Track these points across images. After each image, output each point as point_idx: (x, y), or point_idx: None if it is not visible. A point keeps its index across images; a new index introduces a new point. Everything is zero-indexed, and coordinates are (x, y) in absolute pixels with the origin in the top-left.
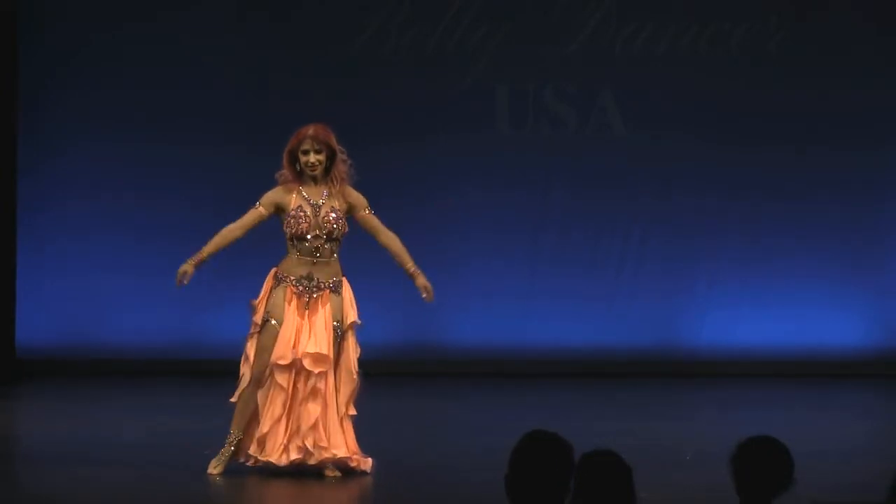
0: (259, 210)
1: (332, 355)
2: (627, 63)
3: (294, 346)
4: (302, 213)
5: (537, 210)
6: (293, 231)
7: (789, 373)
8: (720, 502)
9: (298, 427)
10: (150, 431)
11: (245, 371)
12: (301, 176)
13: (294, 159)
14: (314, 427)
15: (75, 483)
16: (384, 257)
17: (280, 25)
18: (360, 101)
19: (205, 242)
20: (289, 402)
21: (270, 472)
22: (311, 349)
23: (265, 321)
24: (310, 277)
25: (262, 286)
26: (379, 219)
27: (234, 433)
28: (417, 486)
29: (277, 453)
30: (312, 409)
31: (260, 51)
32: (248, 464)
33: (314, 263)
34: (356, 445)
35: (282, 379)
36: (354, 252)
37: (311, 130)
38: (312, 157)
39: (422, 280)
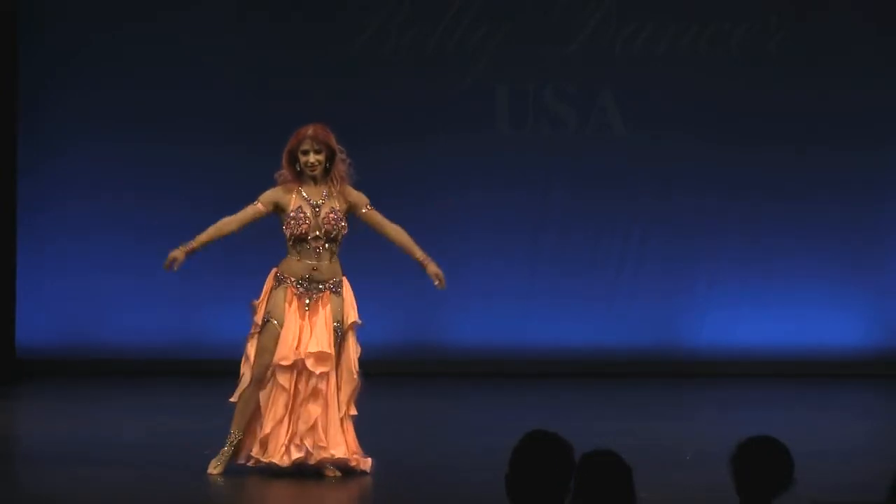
0: (257, 207)
1: (333, 355)
2: (627, 63)
3: (296, 348)
4: (302, 215)
5: (537, 210)
6: (293, 232)
7: (789, 373)
8: (720, 502)
9: (299, 428)
10: (150, 431)
11: (245, 371)
12: (301, 176)
13: (294, 159)
14: (313, 428)
15: (75, 483)
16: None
17: (280, 25)
18: (360, 101)
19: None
20: (290, 403)
21: (270, 472)
22: (314, 348)
23: (266, 321)
24: (310, 278)
25: (262, 286)
26: (381, 213)
27: (235, 433)
28: (417, 486)
29: (279, 454)
30: (312, 410)
31: (260, 51)
32: (248, 464)
33: (315, 264)
34: (357, 445)
35: (283, 380)
36: (354, 252)
37: (310, 130)
38: (312, 158)
39: (432, 267)
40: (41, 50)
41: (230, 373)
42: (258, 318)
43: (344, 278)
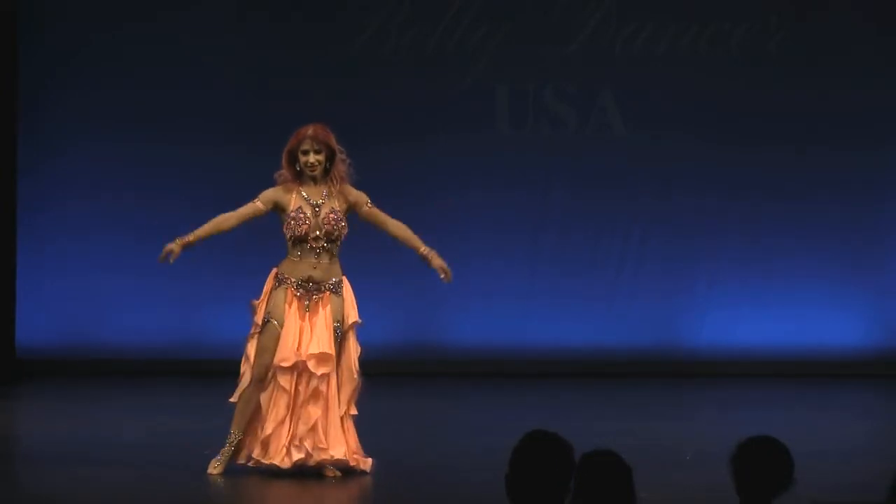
0: (257, 205)
1: (334, 356)
2: (627, 63)
3: (297, 348)
4: (302, 215)
5: (537, 210)
6: (293, 232)
7: (789, 373)
8: (720, 502)
9: (299, 429)
10: (150, 431)
11: (245, 371)
12: (300, 176)
13: (293, 159)
14: (313, 429)
15: (75, 483)
16: (384, 257)
17: (280, 25)
18: (360, 101)
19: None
20: (291, 404)
21: (270, 472)
22: (315, 349)
23: (266, 322)
24: (310, 279)
25: (262, 286)
26: (382, 210)
27: (235, 433)
28: (417, 486)
29: (280, 456)
30: (313, 412)
31: (260, 51)
32: (248, 465)
33: (315, 264)
34: (358, 445)
35: (284, 381)
36: (354, 252)
37: (310, 131)
38: (312, 158)
39: (437, 261)
40: (41, 50)
41: (230, 373)
42: (258, 319)
43: (344, 278)
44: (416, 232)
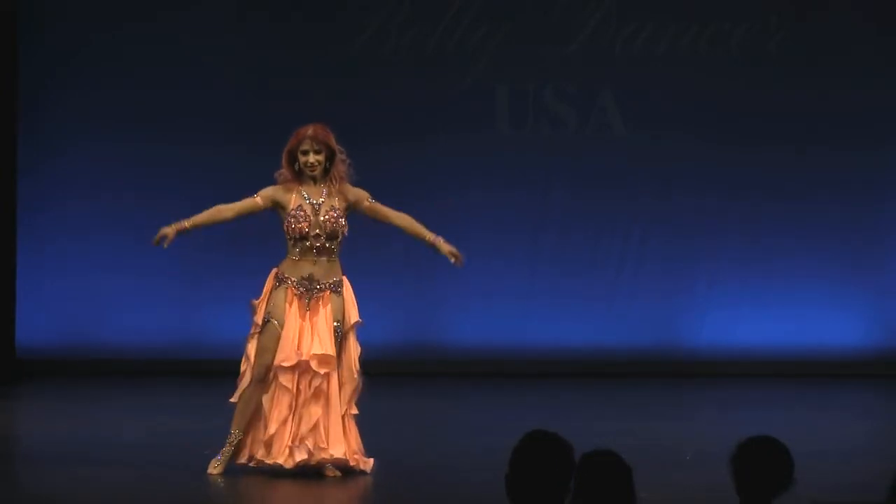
0: (256, 200)
1: (335, 355)
2: (627, 63)
3: (298, 348)
4: (302, 213)
5: (537, 210)
6: (293, 231)
7: (789, 373)
8: (720, 502)
9: (301, 429)
10: (150, 431)
11: (246, 371)
12: (300, 176)
13: (293, 159)
14: (314, 428)
15: (75, 483)
16: (384, 257)
17: (280, 25)
18: (360, 101)
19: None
20: (294, 403)
21: (271, 472)
22: (318, 350)
23: (266, 321)
24: (310, 278)
25: (262, 286)
26: (383, 204)
27: (235, 433)
28: (417, 486)
29: (284, 456)
30: (314, 411)
31: (260, 51)
32: (250, 465)
33: (315, 263)
34: (359, 445)
35: (286, 380)
36: (354, 252)
37: (310, 131)
38: (312, 158)
39: (446, 246)
40: (41, 50)
41: (230, 373)
42: (258, 318)
43: (344, 278)
44: None
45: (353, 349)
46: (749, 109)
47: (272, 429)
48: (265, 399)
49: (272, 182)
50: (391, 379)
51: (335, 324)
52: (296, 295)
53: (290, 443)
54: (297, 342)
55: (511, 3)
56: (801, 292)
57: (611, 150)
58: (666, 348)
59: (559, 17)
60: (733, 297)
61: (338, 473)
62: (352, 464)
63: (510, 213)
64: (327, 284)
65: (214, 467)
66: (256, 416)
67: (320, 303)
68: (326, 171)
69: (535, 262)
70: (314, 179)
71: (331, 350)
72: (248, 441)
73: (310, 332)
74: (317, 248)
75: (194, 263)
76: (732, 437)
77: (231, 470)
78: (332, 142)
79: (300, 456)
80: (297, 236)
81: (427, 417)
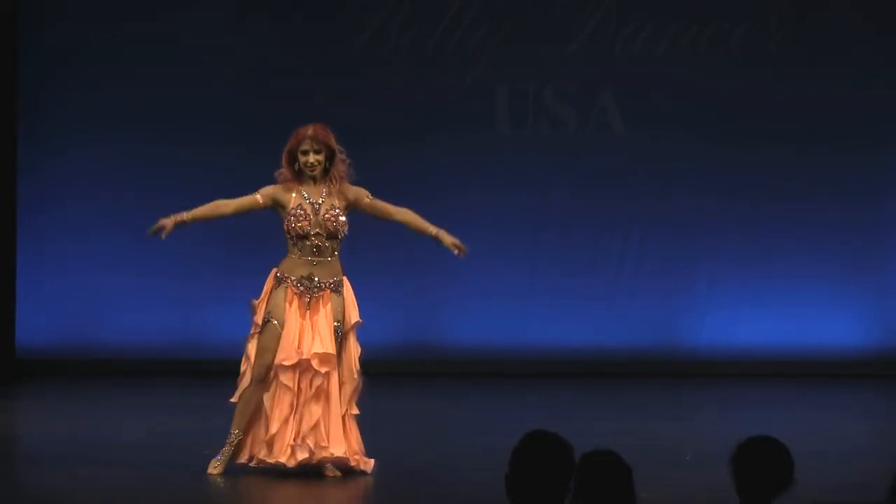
0: (256, 197)
1: (336, 354)
2: (627, 63)
3: (298, 347)
4: (302, 212)
5: (537, 210)
6: (294, 230)
7: (789, 373)
8: (720, 502)
9: (302, 428)
10: (150, 431)
11: (246, 371)
12: (300, 175)
13: (293, 159)
14: (315, 427)
15: (75, 483)
16: (384, 257)
17: (280, 25)
18: (360, 101)
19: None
20: (295, 402)
21: (271, 472)
22: (319, 349)
23: (266, 321)
24: (310, 277)
25: (262, 286)
26: (383, 200)
27: (235, 433)
28: (417, 486)
29: (286, 454)
30: (315, 410)
31: (260, 51)
32: (251, 464)
33: (315, 263)
34: (360, 445)
35: (287, 379)
36: (354, 252)
37: (310, 131)
38: (312, 158)
39: (449, 238)
40: (41, 50)
41: (230, 373)
42: (258, 318)
43: (344, 278)
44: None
45: (354, 349)
46: (749, 109)
47: (274, 428)
48: (266, 398)
49: (272, 182)
50: (391, 379)
51: (335, 324)
52: (296, 294)
53: (291, 442)
54: (297, 341)
55: (511, 3)
56: (801, 292)
57: (611, 150)
58: (666, 348)
59: (559, 17)
60: (733, 297)
61: (338, 473)
62: (352, 464)
63: (510, 213)
64: (327, 284)
65: (214, 467)
66: (257, 415)
67: (320, 302)
68: (326, 171)
69: (535, 262)
70: (314, 179)
71: (331, 349)
72: (249, 441)
73: (310, 331)
74: (317, 247)
75: (194, 263)
76: (732, 437)
77: (231, 470)
78: (332, 142)
79: (302, 455)
80: (298, 236)
81: (427, 417)
